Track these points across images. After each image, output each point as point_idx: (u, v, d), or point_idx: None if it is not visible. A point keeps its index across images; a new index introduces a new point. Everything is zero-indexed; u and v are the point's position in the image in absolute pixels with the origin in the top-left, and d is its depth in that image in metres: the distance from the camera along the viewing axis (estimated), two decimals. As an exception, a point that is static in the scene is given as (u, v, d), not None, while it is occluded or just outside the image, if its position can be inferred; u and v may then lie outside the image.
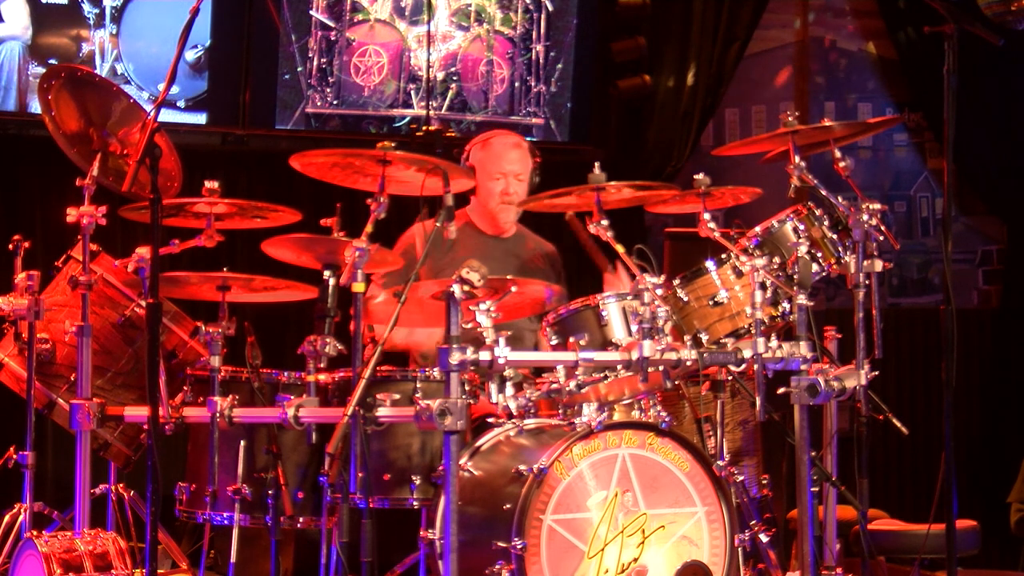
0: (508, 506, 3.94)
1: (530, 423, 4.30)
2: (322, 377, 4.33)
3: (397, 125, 7.52)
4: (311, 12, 7.31)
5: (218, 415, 4.36)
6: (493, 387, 4.21)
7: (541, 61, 7.76)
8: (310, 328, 4.25)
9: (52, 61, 6.73)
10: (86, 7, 6.92)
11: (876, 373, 4.21)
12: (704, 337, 4.39)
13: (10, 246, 4.99)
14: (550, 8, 7.76)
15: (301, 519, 4.48)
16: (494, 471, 4.14)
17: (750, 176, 6.24)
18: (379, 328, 4.31)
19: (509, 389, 4.26)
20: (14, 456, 4.92)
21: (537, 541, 3.92)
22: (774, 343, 4.08)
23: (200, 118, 7.20)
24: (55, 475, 6.41)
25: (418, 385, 4.36)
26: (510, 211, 5.30)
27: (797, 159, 4.44)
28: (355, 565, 3.91)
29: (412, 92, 7.52)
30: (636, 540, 4.03)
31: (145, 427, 4.81)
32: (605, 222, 4.45)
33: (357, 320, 4.06)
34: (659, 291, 4.09)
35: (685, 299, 4.44)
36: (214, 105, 7.19)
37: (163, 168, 4.64)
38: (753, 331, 4.12)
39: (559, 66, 7.78)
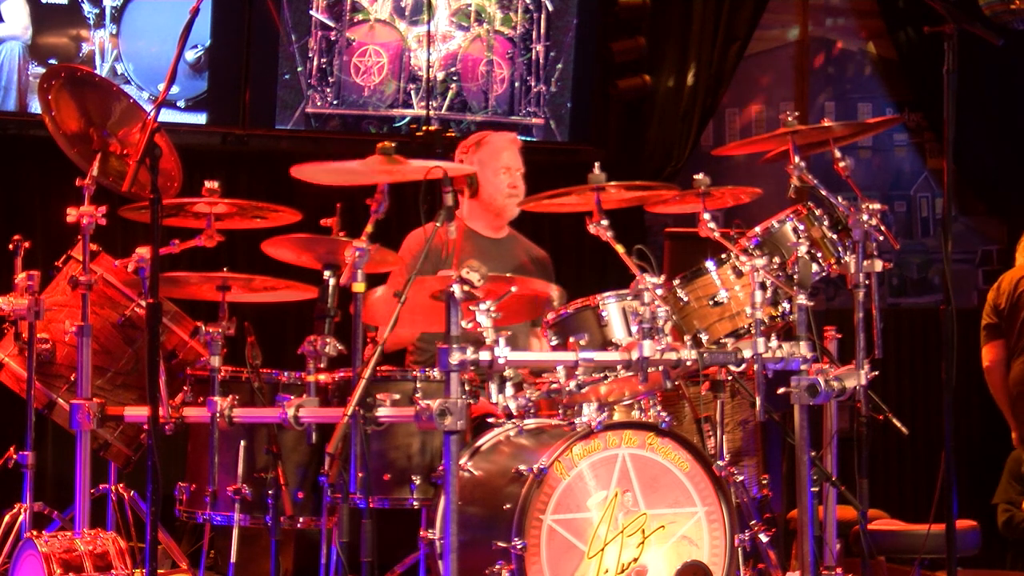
0: (508, 506, 3.94)
1: (530, 423, 4.30)
2: (322, 377, 4.33)
3: (397, 125, 7.52)
4: (311, 12, 7.31)
5: (218, 415, 4.35)
6: (493, 387, 4.21)
7: (541, 61, 7.76)
8: (310, 328, 4.25)
9: (52, 61, 6.73)
10: (86, 7, 6.92)
11: (876, 373, 4.21)
12: (704, 337, 4.39)
13: (10, 246, 4.99)
14: (550, 8, 7.76)
15: (301, 519, 4.48)
16: (494, 471, 4.14)
17: (750, 176, 6.25)
18: (380, 329, 4.31)
19: (509, 389, 4.25)
20: (14, 456, 4.92)
21: (537, 541, 3.92)
22: (774, 343, 4.07)
23: (200, 118, 7.20)
24: (55, 475, 6.41)
25: (418, 385, 4.36)
26: (514, 206, 5.30)
27: (797, 159, 4.44)
28: (355, 565, 3.90)
29: (412, 92, 7.52)
30: (636, 540, 4.03)
31: (145, 427, 4.81)
32: (605, 222, 4.45)
33: (357, 320, 4.06)
34: (659, 291, 4.08)
35: (685, 299, 4.44)
36: (214, 105, 7.19)
37: (163, 168, 4.64)
38: (753, 331, 4.12)
39: (559, 66, 7.78)
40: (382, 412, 3.99)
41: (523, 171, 5.33)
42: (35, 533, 4.57)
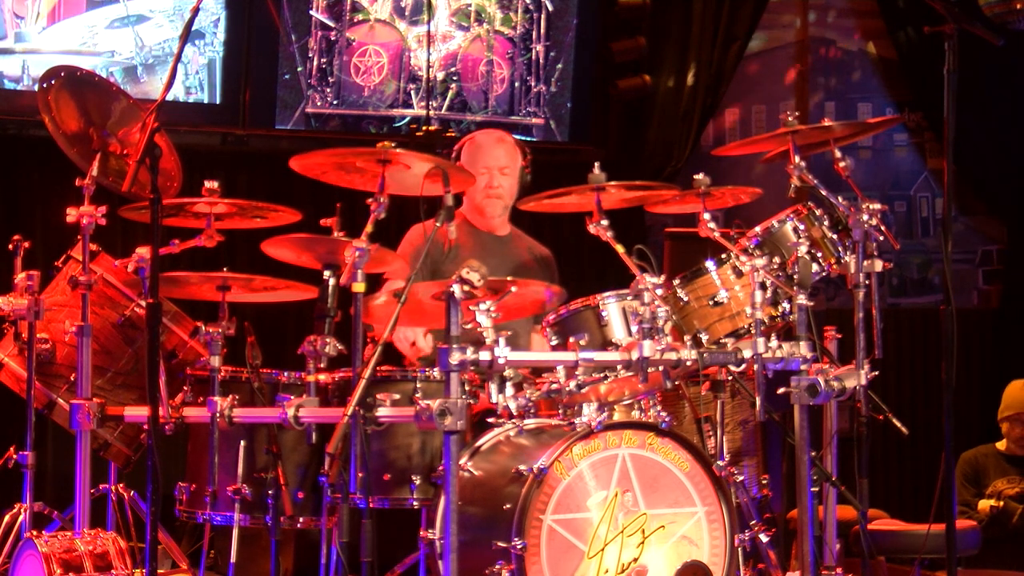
0: (508, 506, 3.94)
1: (530, 423, 4.30)
2: (322, 377, 4.33)
3: (397, 125, 7.52)
4: (311, 12, 7.31)
5: (218, 415, 4.35)
6: (493, 387, 4.21)
7: (541, 61, 7.76)
8: (310, 328, 4.25)
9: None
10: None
11: (876, 373, 4.21)
12: (704, 337, 4.39)
13: (10, 246, 4.99)
14: (550, 8, 7.76)
15: (301, 519, 4.48)
16: (494, 471, 4.14)
17: (750, 176, 6.25)
18: (379, 328, 4.31)
19: (509, 389, 4.25)
20: (14, 456, 4.92)
21: (537, 541, 3.92)
22: (774, 343, 4.07)
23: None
24: (55, 475, 6.41)
25: (418, 385, 4.36)
26: (496, 204, 5.29)
27: (797, 159, 4.44)
28: (355, 565, 3.90)
29: (412, 92, 7.52)
30: (636, 540, 4.03)
31: (145, 427, 4.81)
32: (605, 222, 4.45)
33: (357, 320, 4.06)
34: (659, 291, 4.08)
35: (685, 299, 4.44)
36: (214, 105, 7.19)
37: (163, 168, 4.64)
38: (753, 331, 4.12)
39: (559, 66, 7.78)
40: (382, 412, 4.00)
41: (509, 168, 5.28)
42: (35, 533, 4.57)
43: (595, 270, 7.18)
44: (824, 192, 4.43)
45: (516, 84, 7.73)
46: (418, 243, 5.14)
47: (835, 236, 4.54)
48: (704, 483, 4.13)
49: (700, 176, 4.56)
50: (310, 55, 7.31)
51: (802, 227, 4.52)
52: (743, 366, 4.11)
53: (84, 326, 4.68)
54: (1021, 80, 8.13)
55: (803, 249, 4.29)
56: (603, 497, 4.02)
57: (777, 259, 4.38)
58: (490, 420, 4.33)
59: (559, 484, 3.98)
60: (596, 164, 4.47)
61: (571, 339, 4.07)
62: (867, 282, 4.29)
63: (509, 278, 4.36)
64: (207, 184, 4.57)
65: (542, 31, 7.76)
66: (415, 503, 4.33)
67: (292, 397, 4.25)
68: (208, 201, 4.57)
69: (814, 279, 4.42)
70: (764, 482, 4.90)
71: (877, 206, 4.32)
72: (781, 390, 4.08)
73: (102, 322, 4.94)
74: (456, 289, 3.78)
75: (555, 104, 7.79)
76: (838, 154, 4.54)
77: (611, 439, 4.07)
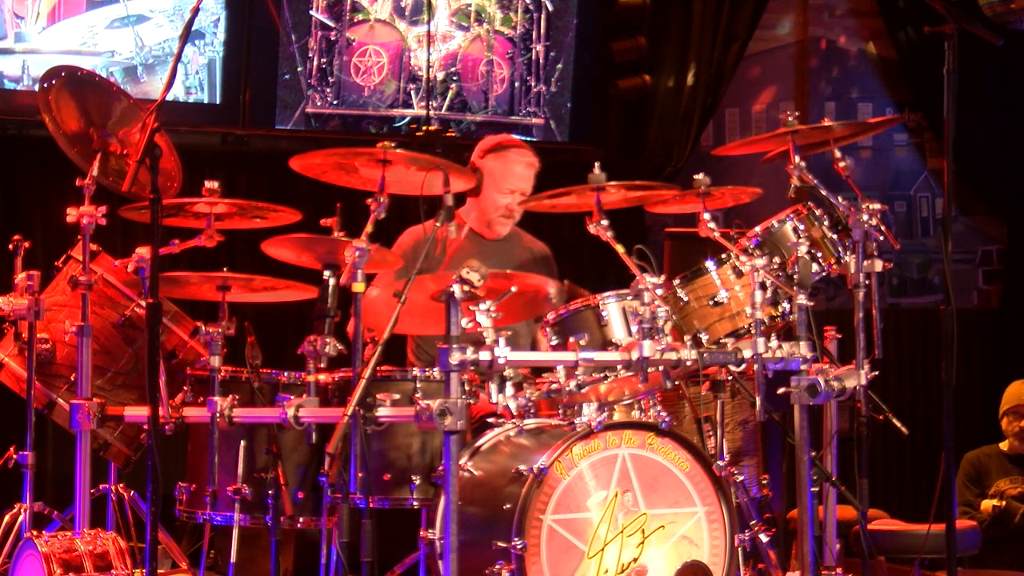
0: (508, 506, 3.94)
1: (530, 423, 4.30)
2: (322, 377, 4.33)
3: (397, 125, 7.52)
4: (311, 12, 7.31)
5: (218, 415, 4.35)
6: (493, 387, 4.21)
7: (541, 61, 7.76)
8: (310, 328, 4.25)
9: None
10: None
11: (876, 373, 4.21)
12: (704, 337, 4.39)
13: (10, 246, 4.99)
14: (550, 8, 7.76)
15: (301, 519, 4.48)
16: (494, 471, 4.14)
17: (750, 176, 6.25)
18: (373, 323, 4.31)
19: (509, 389, 4.25)
20: (14, 456, 4.93)
21: (537, 541, 3.92)
22: (774, 343, 4.07)
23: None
24: (55, 475, 6.41)
25: (418, 385, 4.36)
26: (508, 224, 5.31)
27: (797, 159, 4.44)
28: (355, 565, 3.91)
29: (412, 92, 7.52)
30: (636, 540, 4.03)
31: (145, 427, 4.81)
32: (605, 222, 4.45)
33: (357, 320, 4.06)
34: (659, 291, 4.08)
35: (685, 299, 4.44)
36: (214, 105, 7.19)
37: (163, 168, 4.64)
38: (753, 331, 4.12)
39: (559, 66, 7.78)
40: (382, 412, 4.00)
41: (529, 191, 5.29)
42: (35, 533, 4.57)
43: (595, 270, 7.18)
44: (824, 192, 4.43)
45: (516, 84, 7.74)
46: (409, 246, 5.15)
47: (835, 236, 4.54)
48: (704, 483, 4.13)
49: (700, 176, 4.56)
50: (310, 55, 7.31)
51: (802, 227, 4.52)
52: (743, 366, 4.11)
53: (84, 326, 4.68)
54: (1021, 80, 8.13)
55: (803, 249, 4.29)
56: (603, 497, 4.02)
57: (777, 259, 4.38)
58: (490, 420, 4.34)
59: (559, 484, 3.98)
60: (596, 164, 4.47)
61: (571, 339, 4.07)
62: (867, 282, 4.29)
63: (508, 272, 4.36)
64: (207, 184, 4.57)
65: (542, 31, 7.76)
66: (415, 503, 4.33)
67: (292, 397, 4.25)
68: (208, 201, 4.57)
69: (814, 279, 4.42)
70: (764, 482, 4.90)
71: (877, 206, 4.32)
72: (781, 390, 4.08)
73: (102, 322, 4.94)
74: (456, 289, 3.78)
75: (555, 104, 7.79)
76: (838, 154, 4.54)
77: (611, 439, 4.07)
